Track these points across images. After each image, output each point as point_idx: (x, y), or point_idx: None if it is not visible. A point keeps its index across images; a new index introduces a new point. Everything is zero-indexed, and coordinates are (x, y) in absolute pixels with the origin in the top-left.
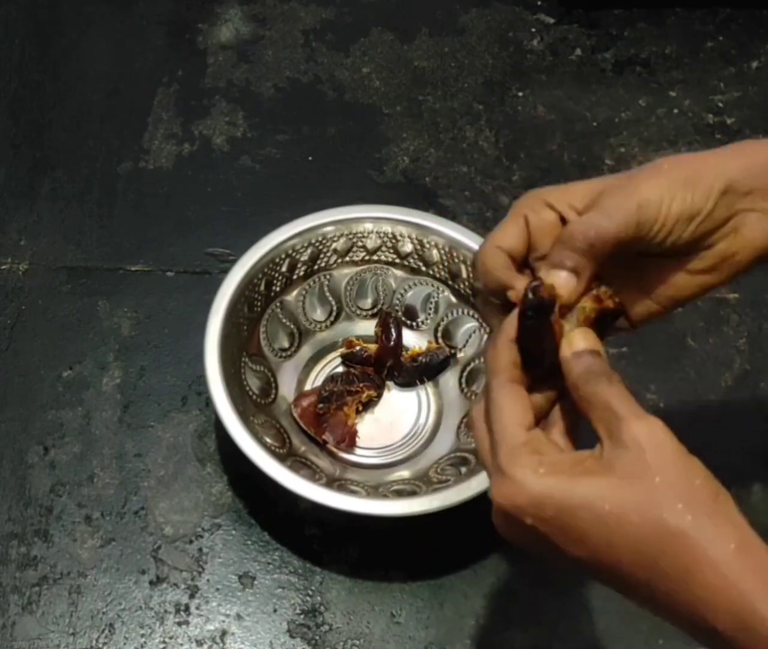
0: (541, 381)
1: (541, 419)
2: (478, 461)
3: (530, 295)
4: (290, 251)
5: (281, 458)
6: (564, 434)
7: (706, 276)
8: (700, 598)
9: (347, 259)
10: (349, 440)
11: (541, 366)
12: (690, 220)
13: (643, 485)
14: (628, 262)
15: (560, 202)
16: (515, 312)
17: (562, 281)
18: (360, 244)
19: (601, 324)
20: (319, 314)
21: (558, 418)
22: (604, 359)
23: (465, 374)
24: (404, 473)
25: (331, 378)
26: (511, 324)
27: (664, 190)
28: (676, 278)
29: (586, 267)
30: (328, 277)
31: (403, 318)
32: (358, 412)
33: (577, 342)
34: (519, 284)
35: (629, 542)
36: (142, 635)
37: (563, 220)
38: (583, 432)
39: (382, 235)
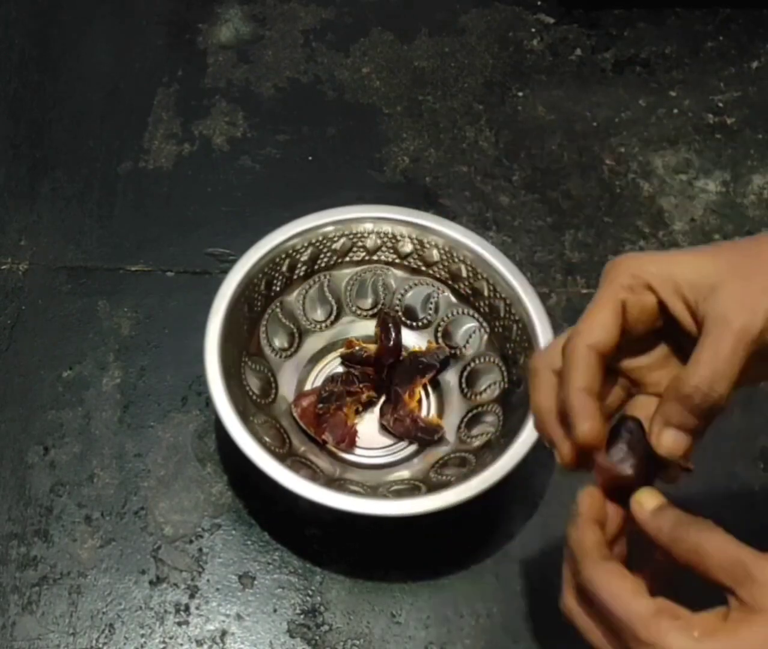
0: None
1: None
2: None
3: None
4: (290, 251)
5: (281, 458)
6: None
7: None
8: None
9: (347, 259)
10: (349, 440)
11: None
12: None
13: None
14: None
15: (664, 287)
16: (587, 489)
17: (676, 444)
18: (360, 244)
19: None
20: (319, 314)
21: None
22: (677, 509)
23: (465, 374)
24: (404, 473)
25: (331, 378)
26: (587, 504)
27: None
28: None
29: (706, 425)
30: (328, 277)
31: (403, 318)
32: (357, 412)
33: (647, 502)
34: (588, 428)
35: None
36: (142, 635)
37: (661, 304)
38: None
39: (382, 235)
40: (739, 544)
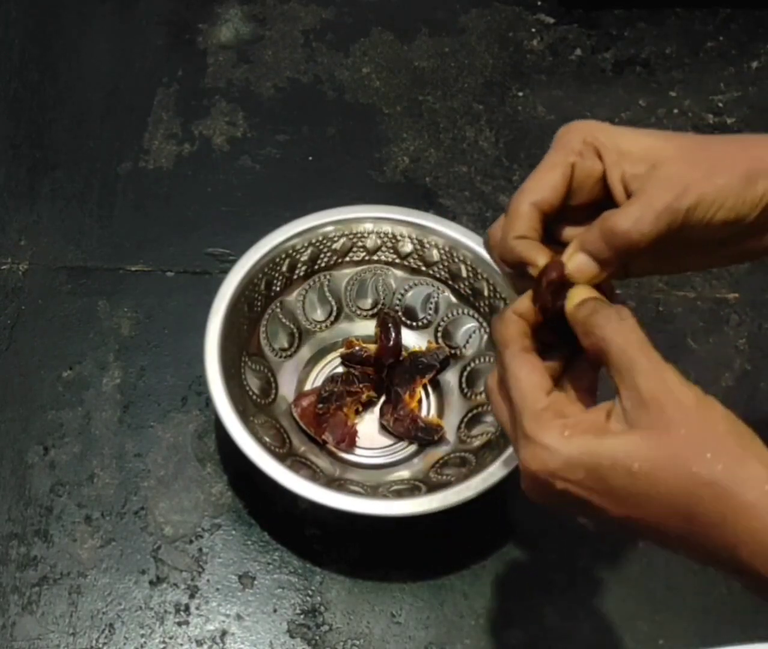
0: (555, 348)
1: (556, 383)
2: (504, 432)
3: (546, 283)
4: (290, 251)
5: (281, 458)
6: (582, 394)
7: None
8: (738, 543)
9: (347, 259)
10: (349, 440)
11: (556, 330)
12: (738, 222)
13: (669, 439)
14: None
15: (612, 154)
16: (527, 294)
17: (585, 269)
18: (360, 244)
19: None
20: (319, 314)
21: (574, 378)
22: (607, 302)
23: (465, 374)
24: (404, 473)
25: (331, 378)
26: (520, 300)
27: (721, 192)
28: (713, 257)
29: (614, 262)
30: (328, 277)
31: (403, 318)
32: (357, 412)
33: (578, 295)
34: (540, 262)
35: (662, 498)
36: (142, 635)
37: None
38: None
39: (382, 235)
40: (642, 344)
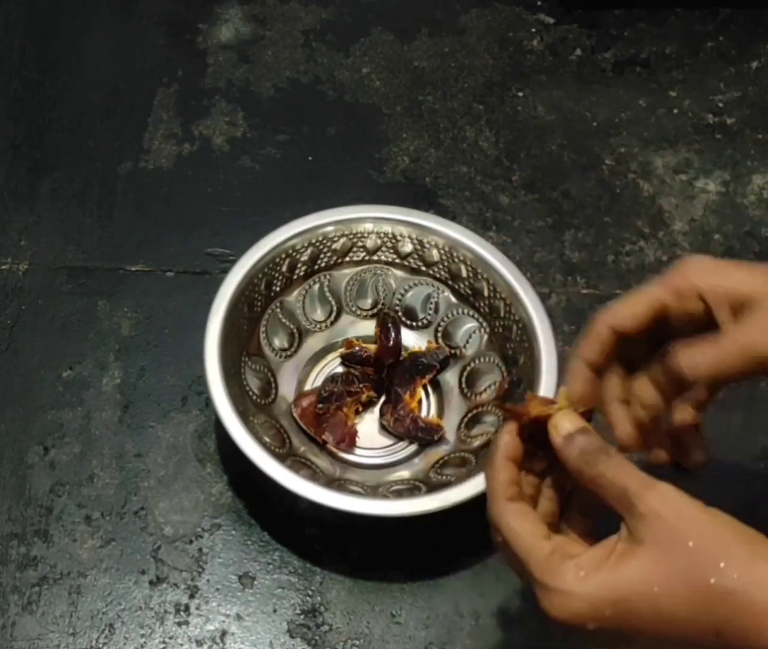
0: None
1: (555, 522)
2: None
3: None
4: (290, 251)
5: (281, 458)
6: (582, 537)
7: None
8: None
9: (347, 259)
10: (349, 440)
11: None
12: None
13: (680, 553)
14: None
15: (714, 296)
16: (506, 427)
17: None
18: (360, 244)
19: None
20: (319, 314)
21: (571, 525)
22: (595, 434)
23: (465, 374)
24: (404, 473)
25: (331, 378)
26: (504, 442)
27: None
28: None
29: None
30: (328, 277)
31: (403, 318)
32: (357, 412)
33: (562, 426)
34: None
35: (687, 616)
36: (142, 635)
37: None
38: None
39: (382, 235)
40: (632, 471)
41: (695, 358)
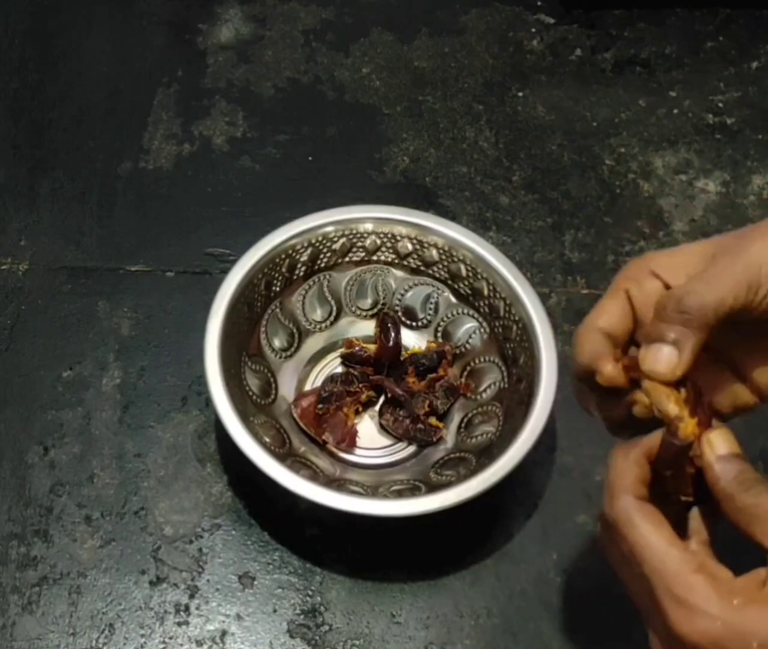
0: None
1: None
2: (637, 603)
3: (669, 438)
4: (290, 251)
5: (281, 458)
6: (705, 546)
7: None
8: None
9: (347, 259)
10: (350, 441)
11: (673, 488)
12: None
13: None
14: (753, 329)
15: (667, 269)
16: (657, 434)
17: (663, 358)
18: (360, 244)
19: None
20: (319, 314)
21: (698, 527)
22: (748, 463)
23: (465, 374)
24: (404, 473)
25: (331, 378)
26: (647, 444)
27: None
28: None
29: (689, 338)
30: (328, 277)
31: (403, 318)
32: (357, 412)
33: (718, 445)
34: (607, 368)
35: None
36: (142, 636)
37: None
38: None
39: (381, 235)
40: None
41: (690, 284)
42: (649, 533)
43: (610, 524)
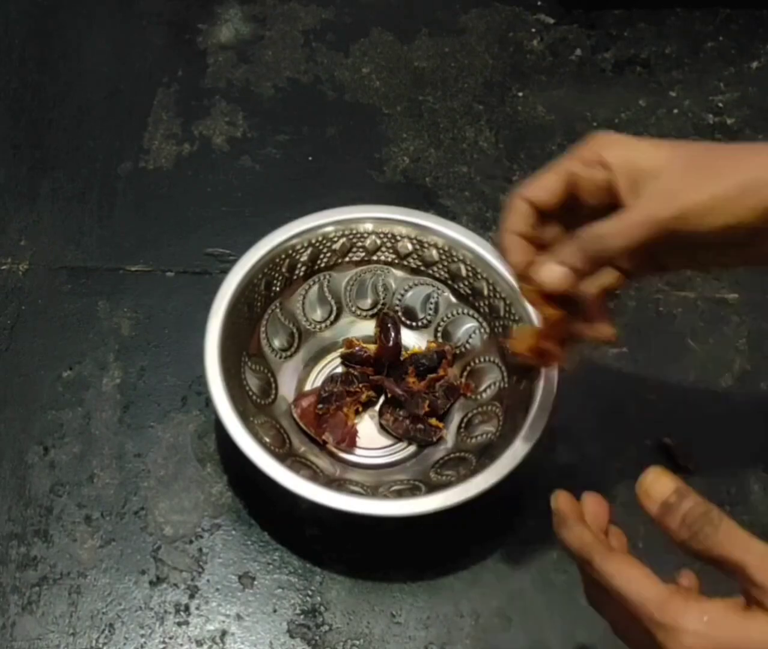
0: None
1: None
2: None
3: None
4: (290, 251)
5: (281, 458)
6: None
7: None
8: None
9: (347, 259)
10: (349, 441)
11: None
12: (740, 227)
13: None
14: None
15: (620, 167)
16: (561, 494)
17: (556, 278)
18: (360, 244)
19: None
20: (319, 314)
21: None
22: (692, 494)
23: (465, 373)
24: (404, 473)
25: (331, 378)
26: (569, 506)
27: (716, 201)
28: (731, 258)
29: (590, 272)
30: (328, 277)
31: (403, 318)
32: (357, 412)
33: (656, 490)
34: (514, 259)
35: None
36: (142, 636)
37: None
38: None
39: (381, 235)
40: (745, 543)
41: (602, 230)
42: (625, 574)
43: (600, 579)
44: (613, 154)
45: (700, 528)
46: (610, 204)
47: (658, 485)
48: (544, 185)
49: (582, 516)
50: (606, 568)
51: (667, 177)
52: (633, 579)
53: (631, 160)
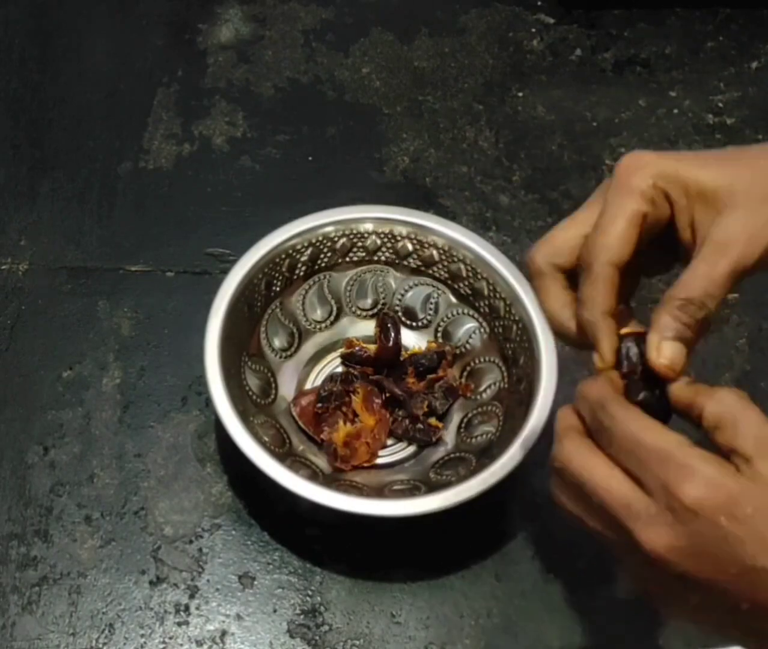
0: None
1: None
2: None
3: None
4: (290, 251)
5: (281, 458)
6: None
7: None
8: None
9: (347, 259)
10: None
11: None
12: None
13: None
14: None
15: (682, 197)
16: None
17: (676, 356)
18: (360, 244)
19: None
20: (319, 314)
21: None
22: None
23: (465, 373)
24: (404, 473)
25: (331, 378)
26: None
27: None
28: None
29: (697, 337)
30: (328, 277)
31: (403, 318)
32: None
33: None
34: (608, 356)
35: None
36: (142, 636)
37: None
38: None
39: (382, 235)
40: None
41: (699, 288)
42: (641, 423)
43: (559, 469)
44: (672, 182)
45: (713, 392)
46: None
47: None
48: (622, 238)
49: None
50: (621, 415)
51: (745, 211)
52: (650, 427)
53: (695, 186)
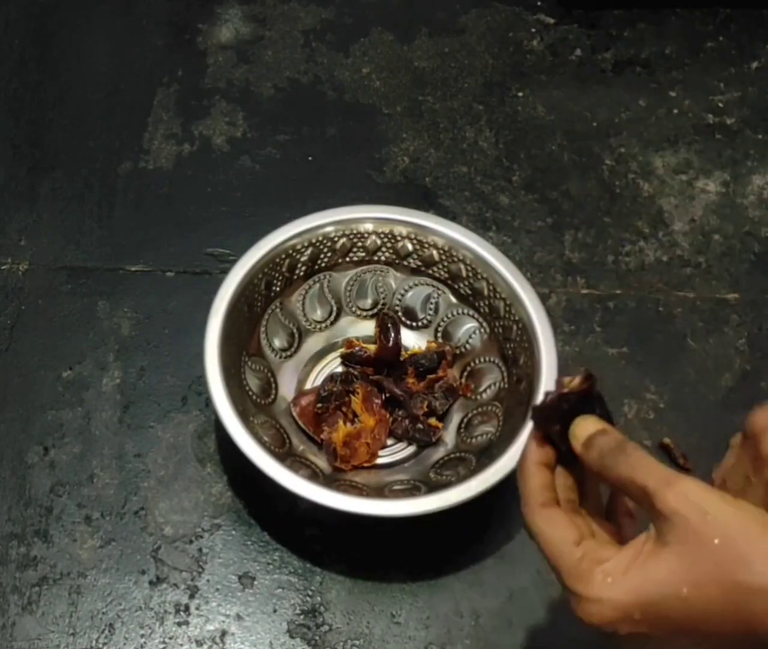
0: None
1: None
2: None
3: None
4: (290, 251)
5: (281, 458)
6: (628, 525)
7: None
8: None
9: (347, 259)
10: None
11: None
12: None
13: (706, 555)
14: None
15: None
16: (532, 433)
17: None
18: (360, 244)
19: None
20: (319, 314)
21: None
22: (614, 432)
23: (465, 374)
24: (404, 473)
25: (331, 378)
26: (532, 447)
27: None
28: None
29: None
30: (328, 277)
31: (403, 318)
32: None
33: (580, 432)
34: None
35: (719, 614)
36: (142, 636)
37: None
38: None
39: (382, 235)
40: (651, 468)
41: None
42: (547, 533)
43: (526, 529)
44: None
45: (614, 456)
46: None
47: (582, 426)
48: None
49: (546, 462)
50: (530, 520)
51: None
52: (552, 539)
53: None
